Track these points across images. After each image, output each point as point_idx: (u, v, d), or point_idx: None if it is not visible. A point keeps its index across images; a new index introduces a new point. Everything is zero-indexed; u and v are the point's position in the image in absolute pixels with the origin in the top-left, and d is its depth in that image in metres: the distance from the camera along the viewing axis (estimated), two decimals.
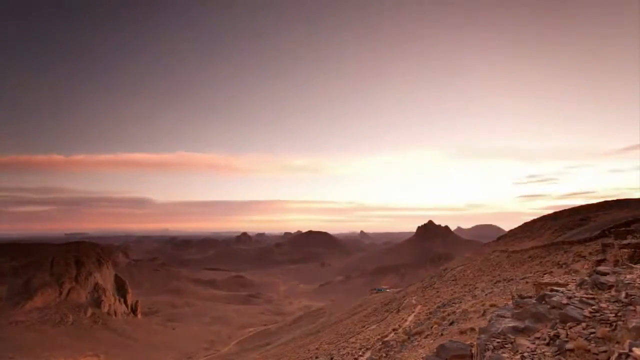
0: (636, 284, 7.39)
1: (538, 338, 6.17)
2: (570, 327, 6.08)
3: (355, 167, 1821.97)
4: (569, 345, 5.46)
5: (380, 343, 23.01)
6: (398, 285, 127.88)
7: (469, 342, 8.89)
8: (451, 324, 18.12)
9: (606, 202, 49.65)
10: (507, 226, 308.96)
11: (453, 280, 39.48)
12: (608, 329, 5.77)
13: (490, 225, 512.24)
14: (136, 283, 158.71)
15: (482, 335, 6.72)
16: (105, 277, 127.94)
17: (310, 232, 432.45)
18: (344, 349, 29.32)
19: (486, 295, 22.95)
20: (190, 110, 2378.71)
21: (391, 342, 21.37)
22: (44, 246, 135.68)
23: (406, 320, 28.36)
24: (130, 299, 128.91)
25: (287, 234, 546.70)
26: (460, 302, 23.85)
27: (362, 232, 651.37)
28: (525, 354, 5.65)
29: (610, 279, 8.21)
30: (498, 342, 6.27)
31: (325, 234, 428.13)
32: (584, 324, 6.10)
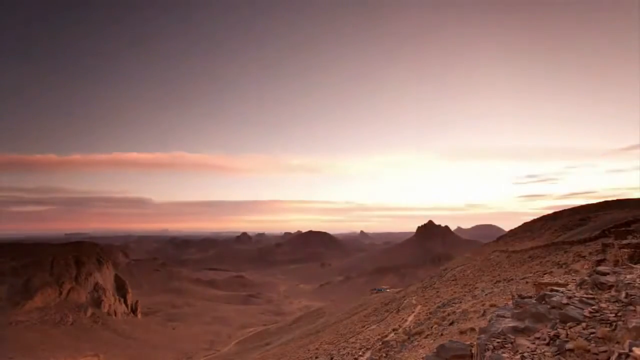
0: (636, 284, 7.39)
1: (538, 338, 6.17)
2: (570, 327, 6.08)
3: (355, 167, 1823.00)
4: (569, 345, 5.46)
5: (380, 343, 23.01)
6: (398, 285, 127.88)
7: (469, 342, 8.89)
8: (451, 324, 18.12)
9: (606, 202, 49.71)
10: (507, 226, 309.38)
11: (453, 280, 39.49)
12: (608, 329, 5.77)
13: (490, 225, 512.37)
14: (136, 283, 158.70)
15: (482, 335, 6.72)
16: (105, 277, 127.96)
17: (310, 232, 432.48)
18: (344, 349, 29.33)
19: (486, 295, 22.95)
20: (186, 110, 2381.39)
21: (391, 342, 21.38)
22: (44, 246, 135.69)
23: (406, 320, 28.37)
24: (130, 299, 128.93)
25: (287, 234, 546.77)
26: (460, 302, 23.86)
27: (362, 232, 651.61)
28: (525, 354, 5.65)
29: (610, 279, 8.21)
30: (498, 342, 6.27)
31: (325, 234, 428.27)
32: (584, 324, 6.10)
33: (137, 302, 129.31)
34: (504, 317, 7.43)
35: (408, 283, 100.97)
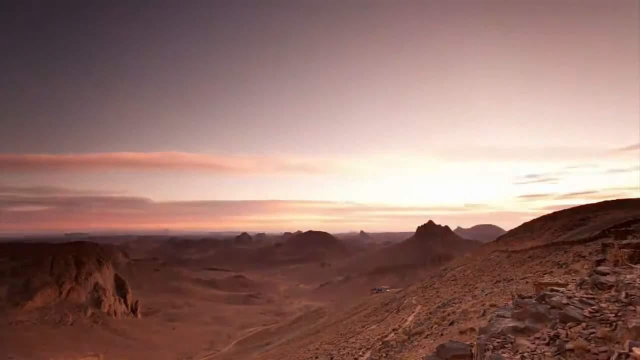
0: (636, 284, 7.39)
1: (538, 338, 6.17)
2: (570, 327, 6.08)
3: (355, 167, 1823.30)
4: (569, 345, 5.46)
5: (380, 343, 23.02)
6: (398, 285, 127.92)
7: (469, 342, 8.90)
8: (451, 324, 18.13)
9: (606, 202, 49.70)
10: (507, 226, 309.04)
11: (453, 280, 39.51)
12: (608, 329, 5.77)
13: (490, 225, 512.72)
14: (136, 283, 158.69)
15: (482, 335, 6.72)
16: (105, 277, 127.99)
17: (310, 232, 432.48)
18: (344, 349, 29.33)
19: (486, 295, 22.96)
20: (184, 110, 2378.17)
21: (391, 342, 21.38)
22: (44, 246, 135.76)
23: (406, 320, 28.38)
24: (130, 299, 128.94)
25: (287, 234, 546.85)
26: (460, 302, 23.87)
27: (362, 232, 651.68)
28: (525, 354, 5.65)
29: (610, 279, 8.21)
30: (498, 342, 6.27)
31: (325, 234, 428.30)
32: (584, 324, 6.11)
33: (137, 302, 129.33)
34: (504, 317, 7.43)
35: (408, 283, 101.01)
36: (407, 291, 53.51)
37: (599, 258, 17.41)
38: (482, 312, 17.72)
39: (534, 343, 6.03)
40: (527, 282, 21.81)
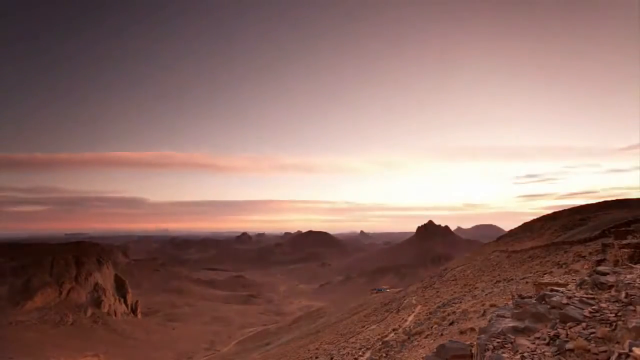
0: (636, 284, 7.39)
1: (538, 338, 6.18)
2: (570, 327, 6.09)
3: (355, 167, 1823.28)
4: (569, 345, 5.46)
5: (380, 343, 23.03)
6: (398, 285, 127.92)
7: (469, 342, 8.90)
8: (451, 324, 18.14)
9: (606, 202, 49.69)
10: (507, 226, 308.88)
11: (453, 280, 39.51)
12: (608, 329, 5.78)
13: (490, 225, 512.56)
14: (136, 283, 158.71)
15: (482, 335, 6.73)
16: (105, 277, 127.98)
17: (310, 232, 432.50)
18: (344, 349, 29.33)
19: (486, 295, 22.97)
20: (182, 109, 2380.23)
21: (391, 342, 21.39)
22: (44, 246, 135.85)
23: (406, 320, 28.38)
24: (130, 299, 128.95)
25: (287, 234, 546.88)
26: (460, 302, 23.87)
27: (362, 232, 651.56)
28: (525, 354, 5.66)
29: (610, 279, 8.21)
30: (498, 342, 6.27)
31: (325, 234, 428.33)
32: (584, 324, 6.11)
33: (137, 302, 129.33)
34: (504, 317, 7.44)
35: (408, 283, 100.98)
36: (407, 291, 53.52)
37: (599, 258, 17.42)
38: (482, 312, 17.72)
39: (534, 343, 6.04)
40: (527, 282, 21.81)
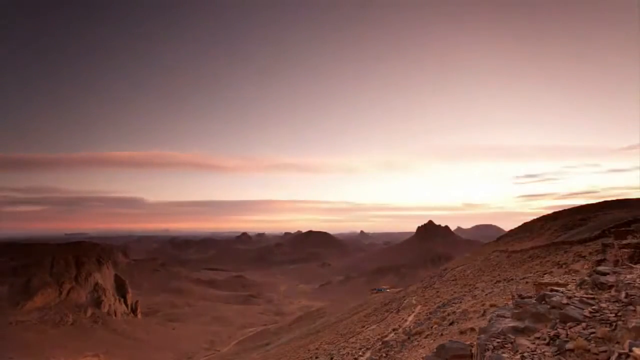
0: (636, 284, 7.39)
1: (538, 338, 6.18)
2: (570, 327, 6.09)
3: (355, 167, 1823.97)
4: (569, 345, 5.47)
5: (380, 343, 23.03)
6: (398, 285, 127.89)
7: (469, 342, 8.90)
8: (451, 324, 18.14)
9: (606, 202, 49.62)
10: (507, 226, 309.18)
11: (453, 280, 39.51)
12: (608, 329, 5.78)
13: (490, 225, 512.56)
14: (136, 283, 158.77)
15: (482, 335, 6.73)
16: (105, 277, 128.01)
17: (310, 232, 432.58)
18: (344, 349, 29.34)
19: (486, 295, 22.98)
20: (180, 109, 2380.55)
21: (391, 342, 21.39)
22: (44, 246, 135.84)
23: (406, 320, 28.38)
24: (130, 299, 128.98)
25: (287, 234, 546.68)
26: (460, 302, 23.88)
27: (362, 232, 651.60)
28: (525, 354, 5.66)
29: (610, 279, 8.21)
30: (498, 342, 6.27)
31: (325, 234, 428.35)
32: (584, 324, 6.11)
33: (137, 302, 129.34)
34: (504, 317, 7.44)
35: (408, 283, 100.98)
36: (407, 291, 53.52)
37: (599, 258, 17.42)
38: (482, 312, 17.73)
39: (534, 343, 6.04)
40: (527, 282, 21.81)
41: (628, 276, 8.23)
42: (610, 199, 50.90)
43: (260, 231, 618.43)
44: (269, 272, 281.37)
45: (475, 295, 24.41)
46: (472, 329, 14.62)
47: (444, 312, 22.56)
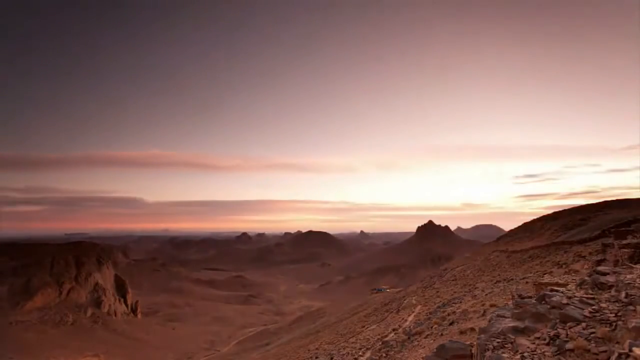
0: (636, 284, 7.39)
1: (538, 338, 6.18)
2: (570, 327, 6.09)
3: (355, 167, 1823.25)
4: (569, 345, 5.47)
5: (380, 343, 23.03)
6: (398, 285, 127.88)
7: (469, 342, 8.90)
8: (451, 324, 18.14)
9: (606, 202, 49.58)
10: (507, 226, 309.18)
11: (453, 280, 39.50)
12: (608, 329, 5.78)
13: (490, 225, 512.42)
14: (136, 283, 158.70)
15: (482, 335, 6.73)
16: (105, 277, 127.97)
17: (310, 232, 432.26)
18: (344, 349, 29.33)
19: (486, 295, 22.98)
20: (178, 109, 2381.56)
21: (391, 342, 21.39)
22: (44, 246, 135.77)
23: (406, 320, 28.38)
24: (130, 299, 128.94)
25: (287, 234, 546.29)
26: (460, 302, 23.88)
27: (362, 232, 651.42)
28: (525, 354, 5.66)
29: (610, 279, 8.21)
30: (498, 342, 6.27)
31: (325, 234, 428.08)
32: (584, 324, 6.11)
33: (137, 302, 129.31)
34: (504, 317, 7.44)
35: (408, 283, 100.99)
36: (407, 291, 53.51)
37: (599, 258, 17.41)
38: (482, 312, 17.73)
39: (534, 343, 6.04)
40: (527, 282, 21.81)
41: (628, 276, 8.23)
42: (610, 199, 50.89)
43: (260, 231, 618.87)
44: (269, 272, 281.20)
45: (475, 295, 24.41)
46: (472, 329, 14.62)
47: (444, 312, 22.56)
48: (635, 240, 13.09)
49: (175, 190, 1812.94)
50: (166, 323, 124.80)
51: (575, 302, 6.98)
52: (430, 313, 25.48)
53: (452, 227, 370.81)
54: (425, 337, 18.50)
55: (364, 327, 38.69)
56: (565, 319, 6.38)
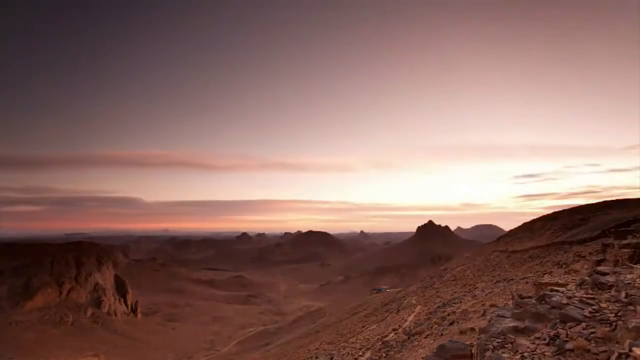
0: (636, 284, 7.40)
1: (538, 338, 6.18)
2: (570, 327, 6.09)
3: (354, 167, 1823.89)
4: (569, 345, 5.47)
5: (380, 343, 23.04)
6: (398, 285, 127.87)
7: (469, 342, 8.90)
8: (451, 324, 18.15)
9: (606, 202, 49.57)
10: (507, 226, 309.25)
11: (453, 280, 39.50)
12: (608, 329, 5.78)
13: (490, 225, 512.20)
14: (136, 283, 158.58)
15: (482, 335, 6.73)
16: (105, 277, 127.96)
17: (310, 232, 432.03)
18: (344, 349, 29.34)
19: (486, 295, 22.98)
20: (177, 108, 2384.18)
21: (391, 342, 21.39)
22: (44, 246, 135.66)
23: (406, 320, 28.38)
24: (130, 299, 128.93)
25: (287, 234, 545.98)
26: (460, 302, 23.88)
27: (362, 232, 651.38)
28: (525, 354, 5.66)
29: (610, 279, 8.22)
30: (498, 342, 6.28)
31: (325, 234, 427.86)
32: (584, 324, 6.11)
33: (137, 302, 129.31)
34: (504, 317, 7.44)
35: (408, 283, 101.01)
36: (407, 291, 53.52)
37: (599, 258, 17.44)
38: (482, 312, 17.73)
39: (534, 343, 6.04)
40: (527, 282, 21.82)
41: (628, 276, 8.23)
42: (610, 199, 50.85)
43: (260, 231, 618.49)
44: (269, 272, 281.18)
45: (475, 295, 24.41)
46: (472, 329, 14.62)
47: (444, 312, 22.56)
48: (635, 240, 13.10)
49: (176, 190, 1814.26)
50: (166, 323, 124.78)
51: (575, 302, 6.98)
52: (430, 313, 25.48)
53: (452, 227, 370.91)
54: (425, 337, 18.51)
55: (364, 327, 38.70)
56: (565, 319, 6.38)
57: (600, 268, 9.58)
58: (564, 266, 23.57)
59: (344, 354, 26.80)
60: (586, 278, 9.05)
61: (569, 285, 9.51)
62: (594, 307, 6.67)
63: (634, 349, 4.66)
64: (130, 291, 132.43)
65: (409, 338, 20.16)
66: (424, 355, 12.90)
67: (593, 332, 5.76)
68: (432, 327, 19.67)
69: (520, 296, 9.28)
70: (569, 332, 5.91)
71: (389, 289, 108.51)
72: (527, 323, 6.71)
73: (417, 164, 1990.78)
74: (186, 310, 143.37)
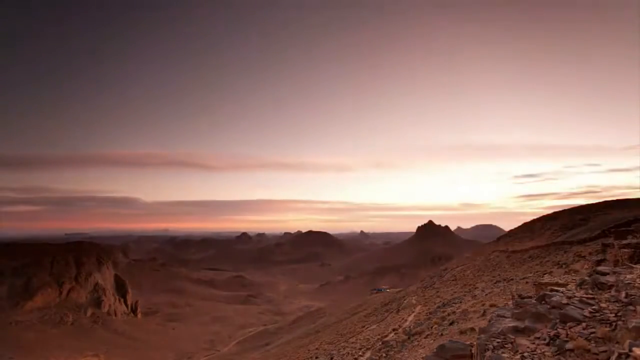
0: (636, 284, 7.40)
1: (538, 338, 6.18)
2: (570, 327, 6.09)
3: (354, 167, 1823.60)
4: (569, 345, 5.47)
5: (380, 343, 23.03)
6: (398, 285, 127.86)
7: (469, 342, 8.90)
8: (451, 324, 18.14)
9: (606, 202, 49.54)
10: (507, 226, 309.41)
11: (453, 280, 39.49)
12: (608, 329, 5.78)
13: (490, 225, 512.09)
14: (136, 283, 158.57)
15: (482, 335, 6.73)
16: (105, 277, 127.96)
17: (310, 232, 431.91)
18: (344, 349, 29.34)
19: (486, 295, 22.98)
20: (177, 108, 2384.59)
21: (391, 342, 21.39)
22: (44, 246, 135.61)
23: (406, 320, 28.37)
24: (130, 299, 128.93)
25: (287, 234, 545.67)
26: (460, 302, 23.88)
27: (362, 232, 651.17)
28: (525, 354, 5.66)
29: (610, 279, 8.22)
30: (498, 342, 6.27)
31: (325, 234, 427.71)
32: (584, 324, 6.11)
33: (137, 302, 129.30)
34: (504, 317, 7.44)
35: (408, 283, 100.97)
36: (407, 291, 53.51)
37: (599, 258, 17.44)
38: (482, 312, 17.73)
39: (534, 343, 6.04)
40: (527, 282, 21.82)
41: (628, 276, 8.23)
42: (610, 199, 50.84)
43: (260, 231, 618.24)
44: (269, 272, 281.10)
45: (475, 295, 24.41)
46: (472, 329, 14.62)
47: (444, 312, 22.56)
48: (635, 240, 13.09)
49: (175, 190, 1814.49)
50: (166, 323, 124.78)
51: (575, 302, 6.98)
52: (430, 313, 25.48)
53: (452, 227, 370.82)
54: (425, 337, 18.51)
55: (364, 327, 38.70)
56: (565, 319, 6.38)
57: (600, 268, 9.57)
58: (564, 266, 23.56)
59: (344, 354, 26.80)
60: (586, 278, 9.05)
61: (569, 285, 9.52)
62: (594, 307, 6.67)
63: (634, 349, 4.66)
64: (130, 291, 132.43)
65: (409, 338, 20.16)
66: (424, 355, 12.90)
67: (593, 332, 5.76)
68: (432, 327, 19.67)
69: (520, 296, 9.28)
70: (569, 332, 5.91)
71: (389, 289, 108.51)
72: (527, 323, 6.71)
73: (417, 164, 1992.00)
74: (186, 310, 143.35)
